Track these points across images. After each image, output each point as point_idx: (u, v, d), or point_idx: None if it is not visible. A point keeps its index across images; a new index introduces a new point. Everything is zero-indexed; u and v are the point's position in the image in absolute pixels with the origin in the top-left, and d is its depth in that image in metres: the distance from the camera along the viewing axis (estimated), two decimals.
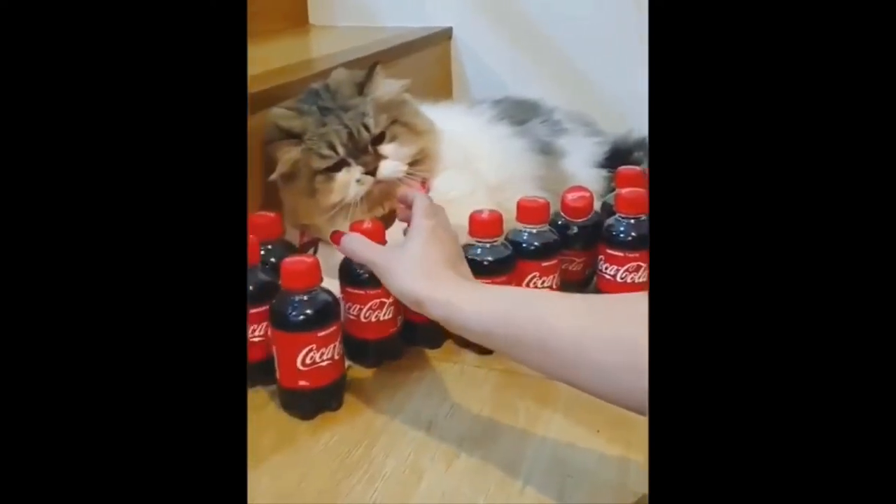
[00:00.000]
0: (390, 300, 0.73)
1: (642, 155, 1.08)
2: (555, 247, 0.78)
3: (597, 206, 1.00)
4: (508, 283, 0.75)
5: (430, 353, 0.78)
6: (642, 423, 0.60)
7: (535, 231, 0.78)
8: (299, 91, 0.89)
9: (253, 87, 0.86)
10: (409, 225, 0.68)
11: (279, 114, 0.81)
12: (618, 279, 0.80)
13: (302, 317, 0.64)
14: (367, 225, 0.72)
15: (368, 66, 0.82)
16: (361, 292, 0.71)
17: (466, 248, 0.74)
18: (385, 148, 0.79)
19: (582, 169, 1.02)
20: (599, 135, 1.11)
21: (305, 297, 0.64)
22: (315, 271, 0.65)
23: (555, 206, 0.94)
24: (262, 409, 0.69)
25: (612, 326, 0.49)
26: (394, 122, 0.81)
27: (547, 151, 0.98)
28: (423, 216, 0.65)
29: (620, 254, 0.80)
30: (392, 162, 0.79)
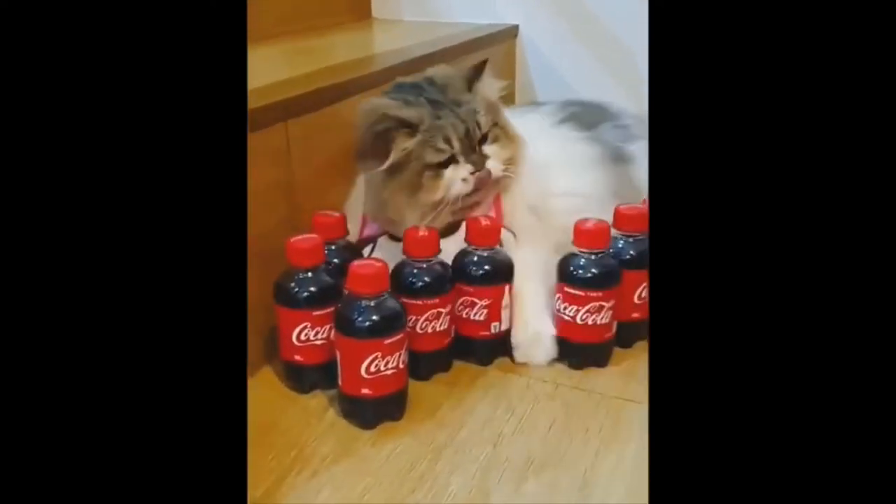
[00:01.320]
0: (447, 309, 0.70)
1: None
2: None
3: None
4: (615, 296, 0.72)
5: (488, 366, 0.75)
6: None
7: (631, 240, 0.75)
8: (363, 87, 0.86)
9: (316, 84, 0.84)
10: None
11: (386, 104, 0.76)
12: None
13: (368, 323, 0.61)
14: (422, 233, 0.69)
15: (476, 63, 0.79)
16: (419, 302, 0.69)
17: (569, 258, 0.72)
18: (488, 148, 0.76)
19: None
20: None
21: (373, 303, 0.62)
22: (384, 276, 0.62)
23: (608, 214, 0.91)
24: (321, 414, 0.67)
25: None
26: (495, 124, 0.77)
27: (617, 157, 0.94)
28: None
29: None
30: (494, 162, 0.75)
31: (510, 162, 0.77)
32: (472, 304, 0.72)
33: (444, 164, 0.73)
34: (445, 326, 0.71)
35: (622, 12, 1.21)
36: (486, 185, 0.75)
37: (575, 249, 0.72)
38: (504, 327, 0.74)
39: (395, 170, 0.73)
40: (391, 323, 0.62)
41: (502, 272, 0.73)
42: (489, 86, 0.79)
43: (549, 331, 0.74)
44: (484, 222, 0.72)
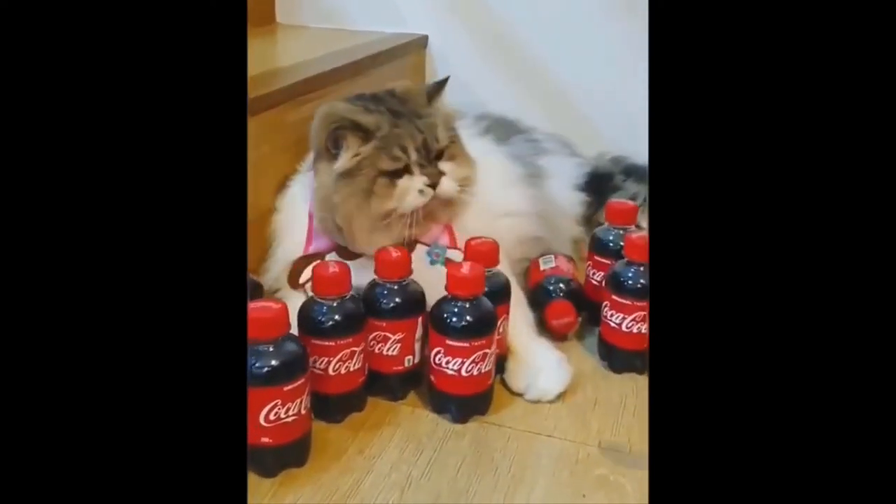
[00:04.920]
0: (360, 348, 0.67)
1: (623, 180, 1.05)
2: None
3: (574, 233, 0.97)
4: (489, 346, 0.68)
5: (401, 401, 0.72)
6: (630, 487, 0.58)
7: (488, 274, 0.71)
8: (268, 106, 0.82)
9: None
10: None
11: (344, 108, 0.75)
12: (623, 328, 0.75)
13: (266, 369, 0.57)
14: (332, 270, 0.66)
15: (439, 80, 0.80)
16: (330, 343, 0.65)
17: (444, 305, 0.67)
18: (444, 165, 0.75)
19: (563, 192, 0.99)
20: (578, 156, 1.08)
21: (271, 348, 0.58)
22: (283, 319, 0.59)
23: (543, 232, 0.91)
24: None
25: None
26: (453, 141, 0.78)
27: (532, 173, 0.94)
28: None
29: (628, 302, 0.74)
30: (450, 180, 0.75)
31: (465, 182, 0.77)
32: (385, 339, 0.69)
33: (399, 174, 0.73)
34: (359, 365, 0.68)
35: (535, 25, 1.21)
36: (440, 203, 0.75)
37: (450, 296, 0.66)
38: (417, 360, 0.72)
39: (349, 174, 0.72)
40: (291, 368, 0.58)
41: (414, 304, 0.70)
42: (446, 104, 0.79)
43: (547, 362, 0.73)
44: (394, 254, 0.69)
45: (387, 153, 0.72)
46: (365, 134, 0.72)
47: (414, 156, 0.73)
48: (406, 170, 0.73)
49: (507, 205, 0.87)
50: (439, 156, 0.75)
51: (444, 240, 0.77)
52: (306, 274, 0.73)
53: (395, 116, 0.74)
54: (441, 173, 0.74)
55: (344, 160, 0.72)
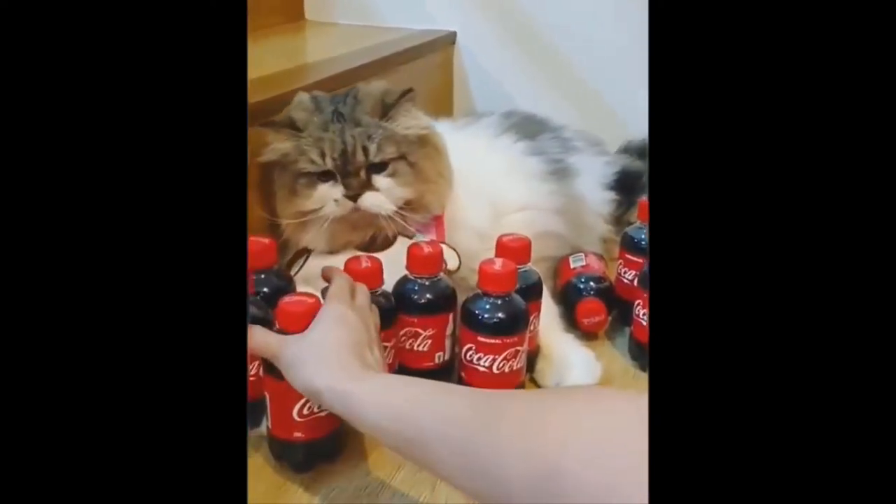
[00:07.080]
0: (391, 343, 0.67)
1: None
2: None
3: (602, 231, 0.97)
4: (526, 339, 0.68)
5: None
6: None
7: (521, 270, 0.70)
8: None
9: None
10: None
11: (302, 99, 0.76)
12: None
13: None
14: (364, 264, 0.66)
15: (403, 90, 0.75)
16: None
17: (476, 302, 0.66)
18: (380, 180, 0.73)
19: (593, 191, 0.98)
20: (608, 154, 1.07)
21: None
22: (316, 313, 0.59)
23: (564, 229, 0.90)
24: (248, 456, 0.63)
25: (524, 433, 0.41)
26: (401, 157, 0.74)
27: (558, 170, 0.93)
28: (332, 300, 0.59)
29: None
30: (378, 196, 0.72)
31: (416, 203, 0.75)
32: (416, 335, 0.69)
33: (323, 177, 0.73)
34: (390, 361, 0.67)
35: (562, 22, 1.20)
36: (365, 216, 0.73)
37: (481, 292, 0.66)
38: (447, 357, 0.71)
39: (281, 167, 0.74)
40: None
41: (445, 300, 0.69)
42: (411, 117, 0.75)
43: (576, 360, 0.73)
44: (426, 250, 0.69)
45: (306, 155, 0.72)
46: (296, 131, 0.73)
47: (330, 164, 0.71)
48: (330, 176, 0.72)
49: (521, 199, 0.86)
50: (377, 169, 0.73)
51: (432, 233, 0.76)
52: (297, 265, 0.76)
53: (335, 119, 0.73)
54: (365, 186, 0.72)
55: (267, 152, 0.74)
